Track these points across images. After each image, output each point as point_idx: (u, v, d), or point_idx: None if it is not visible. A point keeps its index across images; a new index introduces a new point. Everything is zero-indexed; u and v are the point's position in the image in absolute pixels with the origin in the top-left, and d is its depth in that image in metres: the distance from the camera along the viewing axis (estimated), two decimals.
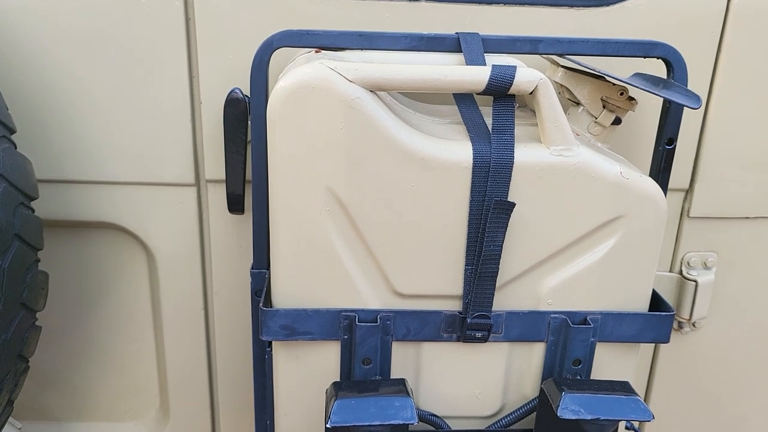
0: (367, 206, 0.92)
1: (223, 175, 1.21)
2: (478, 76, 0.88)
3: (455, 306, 0.98)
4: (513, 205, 0.90)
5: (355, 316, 0.96)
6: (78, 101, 1.17)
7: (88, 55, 1.14)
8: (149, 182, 1.22)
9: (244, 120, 1.11)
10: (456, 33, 0.99)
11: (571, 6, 1.16)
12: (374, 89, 0.89)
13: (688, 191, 1.28)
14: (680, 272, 1.33)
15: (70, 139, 1.19)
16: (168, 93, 1.17)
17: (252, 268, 1.10)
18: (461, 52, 0.98)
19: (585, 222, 0.95)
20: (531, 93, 0.90)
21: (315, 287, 0.98)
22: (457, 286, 0.97)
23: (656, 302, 1.04)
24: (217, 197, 1.24)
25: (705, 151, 1.25)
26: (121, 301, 1.33)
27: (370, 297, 0.97)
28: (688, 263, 1.32)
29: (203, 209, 1.26)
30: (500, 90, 0.89)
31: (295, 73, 0.88)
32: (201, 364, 1.36)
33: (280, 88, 0.88)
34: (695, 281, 1.31)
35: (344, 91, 0.87)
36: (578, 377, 0.99)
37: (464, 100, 1.00)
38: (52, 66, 1.15)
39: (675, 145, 1.08)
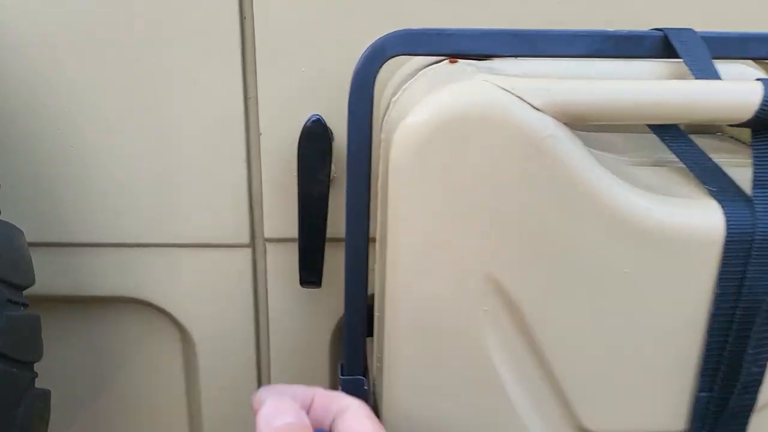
0: (551, 304, 0.59)
1: (288, 233, 0.87)
2: (745, 98, 0.55)
3: None
4: None
5: None
6: (83, 137, 0.84)
7: (100, 68, 0.81)
8: (183, 243, 0.89)
9: (327, 158, 0.78)
10: (660, 29, 0.66)
11: None
12: (574, 121, 0.55)
13: None
14: None
15: (75, 190, 0.86)
16: (214, 120, 0.83)
17: (342, 373, 0.76)
18: (670, 57, 0.65)
19: None
20: None
21: (454, 414, 0.64)
22: (679, 420, 0.63)
23: None
24: (280, 263, 0.91)
25: None
26: (148, 397, 1.00)
27: None
28: None
29: (259, 278, 0.92)
30: None
31: (445, 98, 0.55)
32: None
33: (421, 122, 0.55)
34: None
35: (529, 125, 0.54)
36: None
37: (670, 132, 0.67)
38: (51, 90, 0.82)
39: None
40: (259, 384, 0.96)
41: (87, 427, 1.00)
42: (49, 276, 0.89)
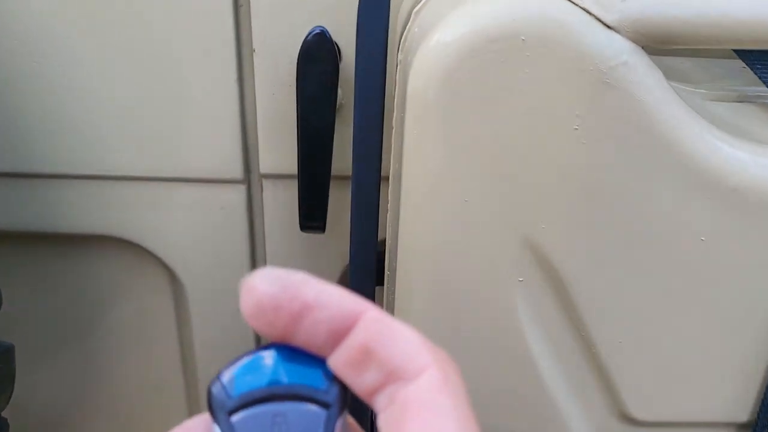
0: (602, 277, 0.48)
1: (287, 169, 0.76)
2: None
3: None
4: None
5: None
6: (57, 55, 0.71)
7: None
8: (170, 177, 0.78)
9: (332, 81, 0.65)
10: None
11: None
12: (654, 44, 0.42)
13: None
14: None
15: (46, 116, 0.74)
16: (200, 35, 0.70)
17: None
18: None
19: None
20: None
21: (472, 388, 0.55)
22: (743, 411, 0.53)
23: None
24: (279, 203, 0.80)
25: None
26: (137, 342, 0.92)
27: (577, 421, 0.55)
28: None
29: (256, 220, 0.82)
30: None
31: (483, 10, 0.41)
32: None
33: (451, 42, 0.42)
34: None
35: (596, 48, 0.40)
36: None
37: (763, 59, 0.53)
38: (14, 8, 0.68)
39: None
40: (255, 333, 0.88)
41: (72, 374, 0.93)
42: (16, 209, 0.80)
